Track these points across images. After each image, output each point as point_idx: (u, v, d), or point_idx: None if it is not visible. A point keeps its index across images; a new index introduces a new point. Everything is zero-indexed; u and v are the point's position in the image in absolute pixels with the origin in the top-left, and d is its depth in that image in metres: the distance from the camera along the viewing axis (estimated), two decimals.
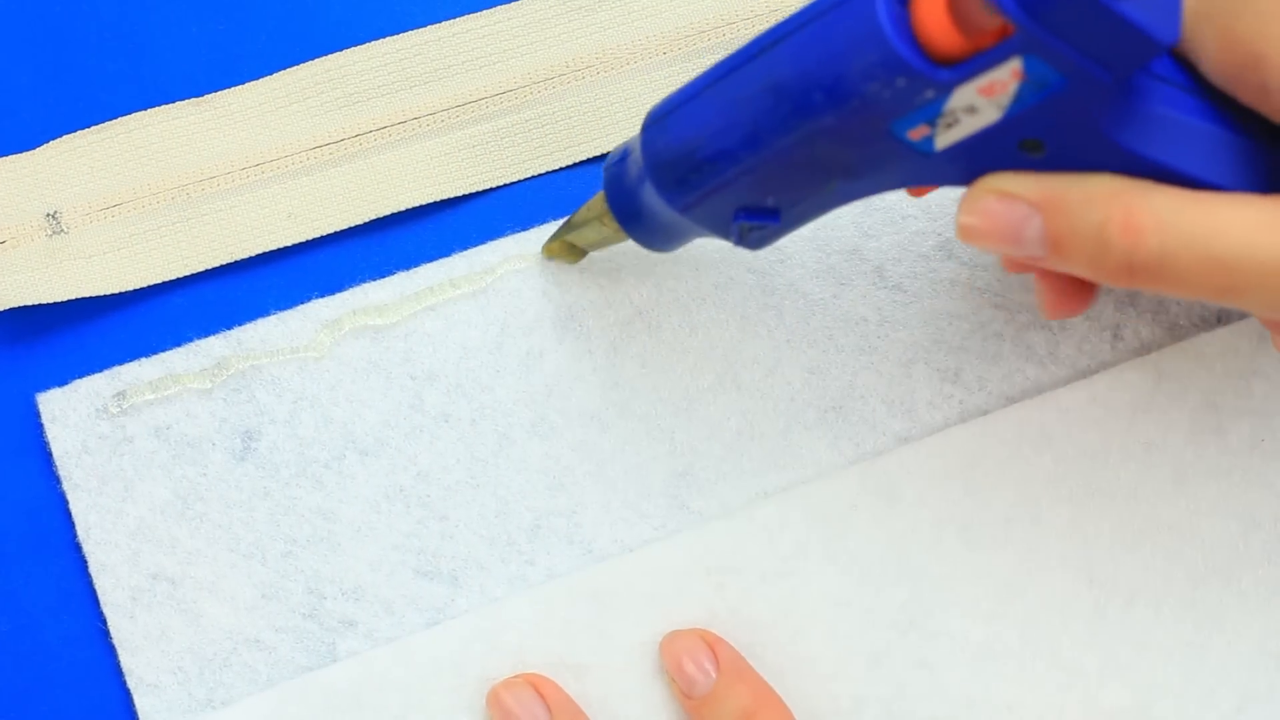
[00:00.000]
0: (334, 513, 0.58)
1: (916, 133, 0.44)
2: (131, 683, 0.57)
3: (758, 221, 0.49)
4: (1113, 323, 0.59)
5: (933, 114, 0.43)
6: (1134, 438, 0.58)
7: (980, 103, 0.43)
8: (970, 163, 0.45)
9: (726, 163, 0.47)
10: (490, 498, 0.58)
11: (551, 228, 0.59)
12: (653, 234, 0.53)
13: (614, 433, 0.58)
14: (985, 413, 0.59)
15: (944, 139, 0.44)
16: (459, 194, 0.59)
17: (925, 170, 0.46)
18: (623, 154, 0.52)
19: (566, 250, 0.57)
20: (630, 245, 0.56)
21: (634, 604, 0.57)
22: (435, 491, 0.58)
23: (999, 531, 0.58)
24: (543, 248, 0.58)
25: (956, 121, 0.43)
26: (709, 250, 0.59)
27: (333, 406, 0.58)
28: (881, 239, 0.59)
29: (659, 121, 0.49)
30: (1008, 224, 0.46)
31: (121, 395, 0.57)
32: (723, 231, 0.50)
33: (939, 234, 0.59)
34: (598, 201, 0.54)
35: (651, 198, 0.50)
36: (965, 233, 0.47)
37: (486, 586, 0.58)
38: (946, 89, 0.42)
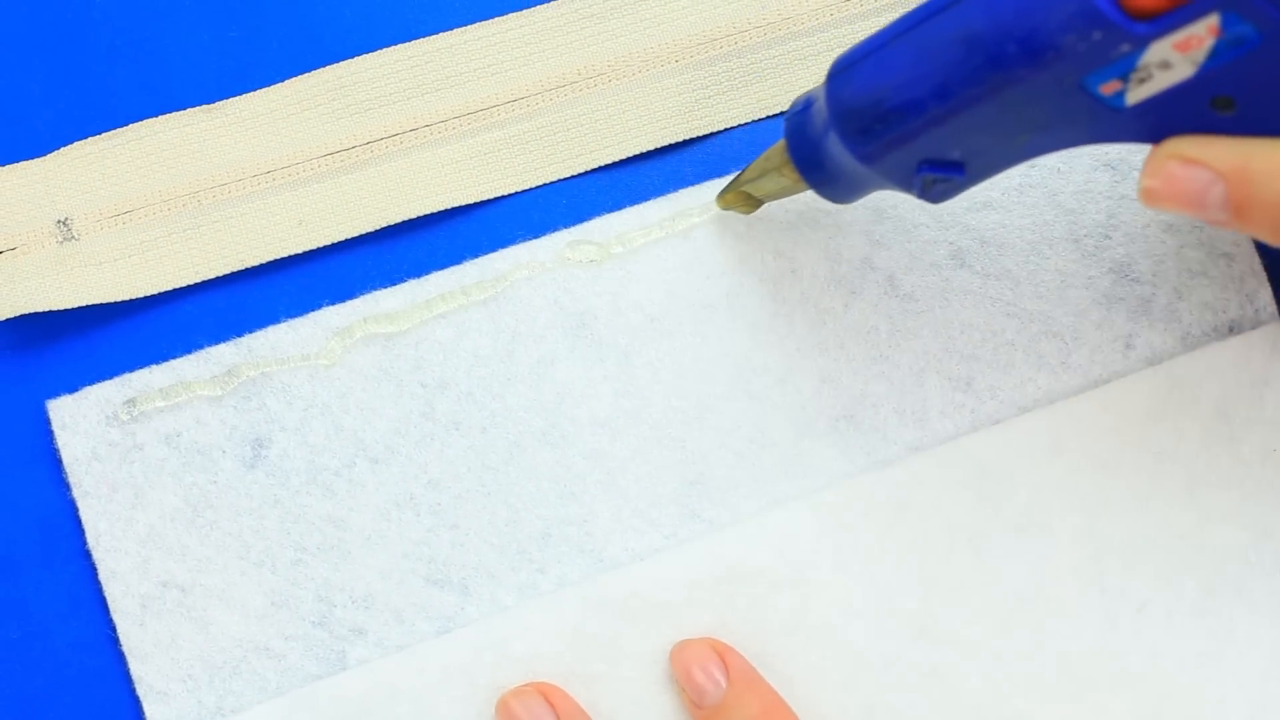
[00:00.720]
0: (344, 521, 0.58)
1: (1109, 87, 0.44)
2: (141, 690, 0.57)
3: (942, 174, 0.48)
4: (1125, 332, 0.59)
5: (1126, 69, 0.43)
6: (1146, 447, 0.58)
7: (1174, 58, 0.42)
8: (1160, 119, 0.45)
9: (914, 113, 0.46)
10: (501, 506, 0.58)
11: (563, 235, 0.59)
12: (834, 184, 0.52)
13: (625, 441, 0.58)
14: (997, 422, 0.59)
15: (1135, 94, 0.44)
16: (470, 201, 0.59)
17: (1114, 126, 0.46)
18: (806, 103, 0.52)
19: (742, 200, 0.57)
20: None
21: (644, 613, 0.57)
22: (446, 500, 0.58)
23: (1010, 540, 0.58)
24: (717, 197, 0.58)
25: (1149, 77, 0.43)
26: (721, 257, 0.59)
27: (343, 414, 0.58)
28: (893, 248, 0.59)
29: (845, 70, 0.48)
30: (1191, 189, 0.46)
31: (132, 402, 0.57)
32: (905, 184, 0.49)
33: (950, 243, 0.59)
34: (778, 151, 0.54)
35: (835, 147, 0.50)
36: (1148, 195, 0.47)
37: (497, 595, 0.58)
38: (1142, 44, 0.42)
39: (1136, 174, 0.59)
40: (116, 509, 0.57)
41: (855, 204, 0.58)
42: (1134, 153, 0.59)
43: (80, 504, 0.57)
